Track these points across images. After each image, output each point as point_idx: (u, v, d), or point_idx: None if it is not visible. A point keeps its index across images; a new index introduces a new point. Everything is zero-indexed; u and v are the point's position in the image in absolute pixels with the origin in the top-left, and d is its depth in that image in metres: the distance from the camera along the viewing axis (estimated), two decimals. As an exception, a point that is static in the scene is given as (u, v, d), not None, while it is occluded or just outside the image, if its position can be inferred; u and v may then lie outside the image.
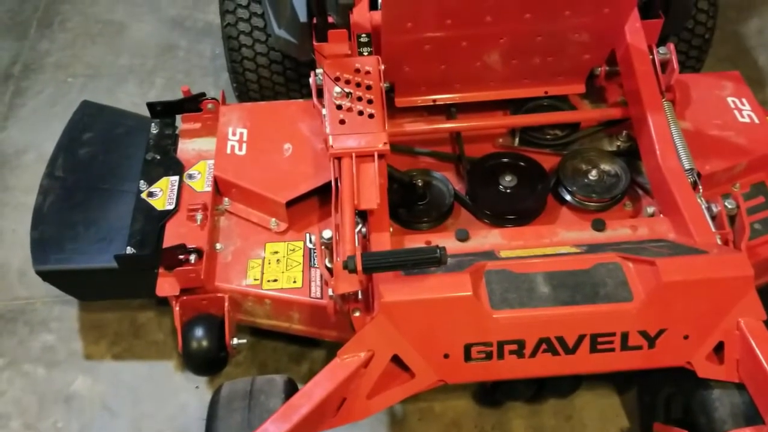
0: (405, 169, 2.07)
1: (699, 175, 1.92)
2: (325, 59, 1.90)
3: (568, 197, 1.99)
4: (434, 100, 2.18)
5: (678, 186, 1.80)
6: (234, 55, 2.41)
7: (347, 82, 1.85)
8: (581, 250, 1.67)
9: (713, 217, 1.76)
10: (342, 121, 1.80)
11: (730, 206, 1.76)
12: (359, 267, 1.44)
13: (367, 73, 1.87)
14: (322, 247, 1.68)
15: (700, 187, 1.84)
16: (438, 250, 1.42)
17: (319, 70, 1.91)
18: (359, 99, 1.82)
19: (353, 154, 1.75)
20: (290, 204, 1.97)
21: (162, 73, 3.09)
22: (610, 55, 2.13)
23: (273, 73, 2.41)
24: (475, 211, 1.99)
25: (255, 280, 1.90)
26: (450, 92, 2.17)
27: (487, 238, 1.80)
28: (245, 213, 2.03)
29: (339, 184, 1.75)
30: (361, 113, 1.81)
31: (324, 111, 1.85)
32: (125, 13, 3.37)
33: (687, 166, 1.86)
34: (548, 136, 2.15)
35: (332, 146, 1.76)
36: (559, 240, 1.78)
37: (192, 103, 2.25)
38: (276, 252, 1.95)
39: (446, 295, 1.48)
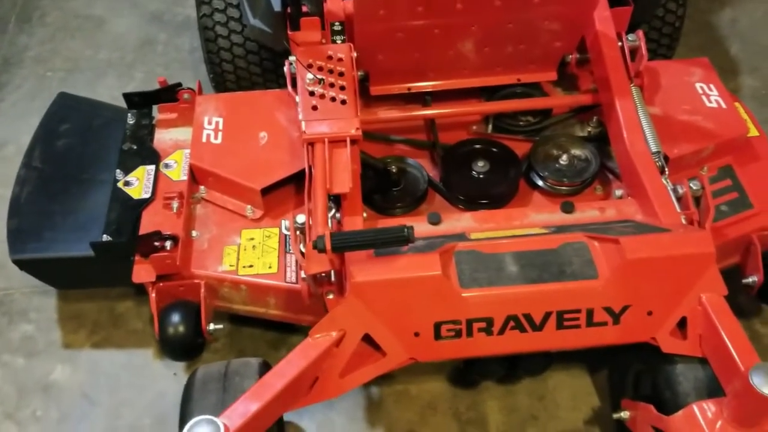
0: (380, 156, 2.10)
1: (666, 158, 1.97)
2: (297, 47, 1.92)
3: (539, 182, 2.03)
4: (409, 88, 2.20)
5: (645, 169, 1.83)
6: (210, 46, 2.42)
7: (320, 68, 1.88)
8: (550, 230, 1.71)
9: (679, 199, 1.80)
10: (314, 107, 1.82)
11: (695, 187, 1.80)
12: (328, 246, 1.46)
13: (340, 60, 1.89)
14: (296, 232, 1.71)
15: (667, 170, 1.88)
16: (406, 229, 1.45)
17: (292, 58, 1.93)
18: (332, 85, 1.85)
19: (326, 140, 1.77)
20: (266, 191, 1.99)
21: (141, 67, 3.10)
22: (580, 43, 2.17)
23: (249, 63, 2.43)
24: (448, 196, 2.02)
25: (231, 266, 1.92)
26: (424, 80, 2.20)
27: (459, 221, 1.83)
28: (221, 201, 2.05)
29: (312, 169, 1.77)
30: (333, 99, 1.83)
31: (298, 98, 1.88)
32: (104, 8, 3.37)
33: (654, 149, 1.90)
34: (521, 123, 2.19)
35: (305, 132, 1.79)
36: (529, 222, 1.81)
37: (168, 94, 2.27)
38: (252, 239, 1.98)
39: (416, 275, 1.51)
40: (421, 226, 1.81)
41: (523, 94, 2.23)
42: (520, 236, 1.66)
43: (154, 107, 2.28)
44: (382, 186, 2.03)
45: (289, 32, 2.06)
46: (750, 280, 1.95)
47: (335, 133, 1.78)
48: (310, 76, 1.84)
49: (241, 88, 2.49)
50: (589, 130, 2.16)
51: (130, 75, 3.07)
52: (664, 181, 1.82)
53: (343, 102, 1.82)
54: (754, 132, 2.17)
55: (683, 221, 1.73)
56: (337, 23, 2.02)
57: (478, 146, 2.09)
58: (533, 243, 1.61)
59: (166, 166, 2.12)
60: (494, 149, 2.08)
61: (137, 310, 2.26)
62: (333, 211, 1.77)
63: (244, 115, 2.16)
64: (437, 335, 1.54)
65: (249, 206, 2.01)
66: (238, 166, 2.02)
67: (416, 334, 1.54)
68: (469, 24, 1.99)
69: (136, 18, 3.32)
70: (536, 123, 2.18)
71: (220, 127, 2.13)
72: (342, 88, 1.84)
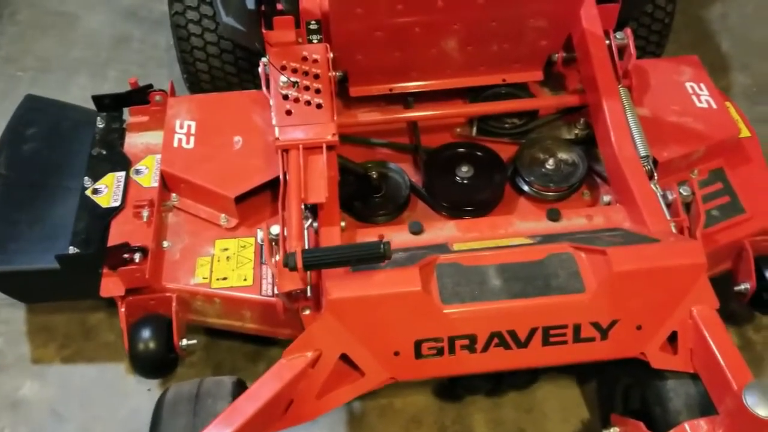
0: (360, 160, 2.02)
1: (655, 162, 1.90)
2: (271, 47, 1.83)
3: (525, 187, 1.96)
4: (390, 89, 2.12)
5: (633, 174, 1.76)
6: (183, 45, 2.33)
7: (294, 71, 1.79)
8: (535, 240, 1.64)
9: (668, 205, 1.74)
10: (289, 112, 1.74)
11: (685, 193, 1.74)
12: (299, 264, 1.39)
13: (315, 61, 1.81)
14: (271, 243, 1.63)
15: (656, 174, 1.81)
16: (382, 245, 1.38)
17: (265, 59, 1.84)
18: (306, 89, 1.76)
19: (300, 146, 1.69)
20: (241, 199, 1.90)
21: (115, 66, 3.00)
22: (567, 41, 2.09)
23: (224, 63, 2.35)
24: (431, 203, 1.95)
25: (204, 278, 1.84)
26: (406, 80, 2.12)
27: (441, 230, 1.75)
28: (194, 209, 1.97)
29: (286, 177, 1.69)
30: (308, 103, 1.75)
31: (271, 101, 1.79)
32: (77, 4, 3.26)
33: (642, 153, 1.83)
34: (506, 125, 2.11)
35: (278, 138, 1.70)
36: (514, 231, 1.74)
37: (139, 95, 2.18)
38: (226, 249, 1.89)
39: (395, 291, 1.43)
40: (402, 236, 1.74)
41: (508, 94, 2.16)
42: (505, 247, 1.59)
43: (125, 110, 2.20)
44: (363, 192, 1.95)
45: (264, 31, 1.97)
46: (742, 287, 1.89)
47: (310, 139, 1.69)
48: (283, 78, 1.75)
49: (217, 89, 2.40)
50: (576, 132, 2.09)
51: (104, 74, 2.96)
52: (653, 187, 1.75)
53: (319, 106, 1.74)
54: (745, 133, 2.11)
55: (673, 229, 1.67)
56: (313, 22, 1.94)
57: (461, 150, 2.02)
58: (517, 254, 1.54)
59: (137, 172, 2.03)
60: (479, 153, 2.01)
61: (110, 322, 2.17)
62: (309, 220, 1.70)
63: (218, 117, 2.07)
64: (418, 354, 1.47)
65: (223, 215, 1.93)
66: (211, 172, 1.93)
67: (396, 353, 1.47)
68: (452, 22, 1.91)
69: (110, 14, 3.21)
70: (522, 125, 2.10)
71: (193, 131, 2.04)
72: (317, 91, 1.76)
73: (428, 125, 2.13)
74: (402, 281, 1.44)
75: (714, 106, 2.08)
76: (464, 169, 1.96)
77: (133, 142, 2.12)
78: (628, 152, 1.81)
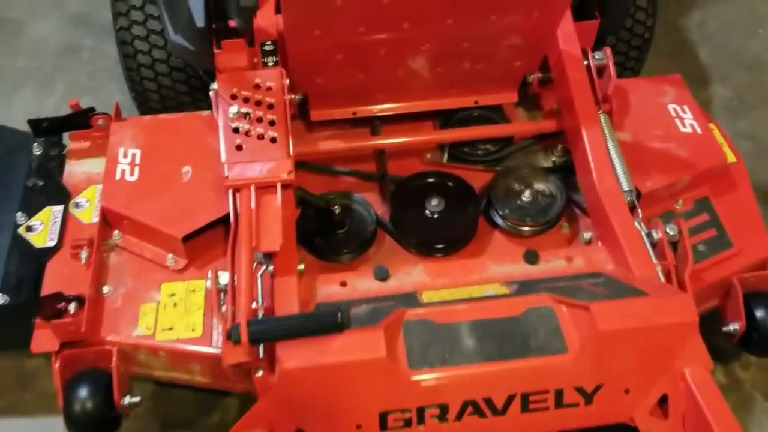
0: (322, 190, 1.87)
1: (638, 193, 1.77)
2: (220, 73, 1.66)
3: (500, 221, 1.81)
4: (354, 113, 1.97)
5: (615, 211, 1.63)
6: (129, 63, 2.14)
7: (246, 100, 1.62)
8: (511, 290, 1.50)
9: (653, 244, 1.61)
10: (239, 147, 1.57)
11: (671, 232, 1.61)
12: (244, 339, 1.23)
13: (269, 89, 1.64)
14: (219, 293, 1.47)
15: (639, 210, 1.68)
16: (339, 315, 1.22)
17: (214, 86, 1.67)
18: (260, 120, 1.59)
19: (252, 186, 1.52)
20: (190, 236, 1.73)
21: (63, 78, 2.79)
22: (543, 61, 1.95)
23: (175, 82, 2.16)
24: (399, 239, 1.80)
25: (148, 329, 1.66)
26: (371, 103, 1.96)
27: (409, 275, 1.60)
28: (138, 248, 1.79)
29: (237, 220, 1.53)
30: (261, 137, 1.58)
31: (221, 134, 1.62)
32: (24, 10, 3.04)
33: (625, 188, 1.69)
34: (479, 152, 1.96)
35: (227, 177, 1.53)
36: (488, 275, 1.59)
37: (81, 119, 1.98)
38: (173, 294, 1.72)
39: (356, 359, 1.28)
40: (366, 283, 1.58)
41: (481, 117, 2.01)
42: (479, 299, 1.45)
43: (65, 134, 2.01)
44: (324, 228, 1.80)
45: (215, 50, 1.80)
46: (731, 327, 1.76)
47: (263, 178, 1.53)
48: (233, 109, 1.58)
49: (167, 109, 2.22)
50: (553, 159, 1.95)
51: (50, 87, 2.76)
52: (637, 225, 1.62)
53: (273, 140, 1.57)
54: (731, 158, 1.98)
55: (660, 273, 1.54)
56: (268, 42, 1.77)
57: (431, 180, 1.86)
58: (493, 309, 1.40)
59: (77, 205, 1.85)
60: (450, 183, 1.86)
61: (50, 368, 1.98)
62: (264, 266, 1.53)
63: (166, 144, 1.89)
64: (383, 426, 1.32)
65: (170, 255, 1.76)
66: (156, 208, 1.75)
67: (359, 427, 1.32)
68: (419, 43, 1.76)
69: (58, 21, 2.99)
70: (496, 151, 1.96)
71: (137, 160, 1.86)
72: (272, 123, 1.59)
73: (397, 150, 1.98)
74: (364, 347, 1.29)
75: (698, 130, 1.95)
76: (434, 202, 1.80)
77: (74, 171, 1.93)
78: (610, 186, 1.67)
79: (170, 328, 1.66)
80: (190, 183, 1.80)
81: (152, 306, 1.70)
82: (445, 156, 1.96)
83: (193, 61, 1.96)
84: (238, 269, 1.44)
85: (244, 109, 1.59)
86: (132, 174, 1.83)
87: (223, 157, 1.55)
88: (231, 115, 1.58)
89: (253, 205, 1.50)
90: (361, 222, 1.82)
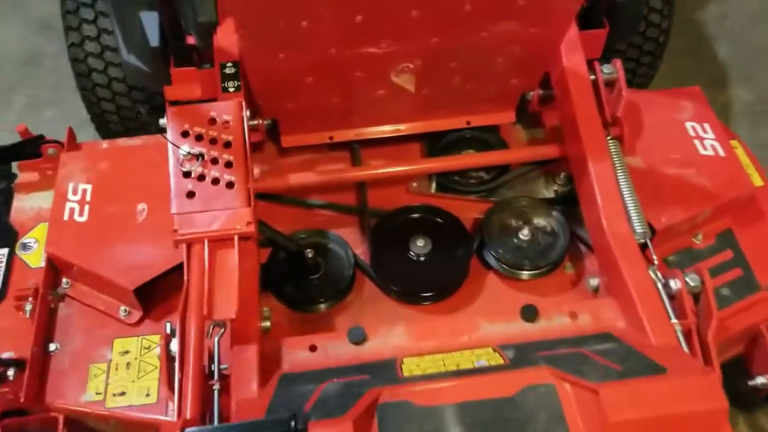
0: (294, 226, 1.67)
1: (653, 230, 1.56)
2: (169, 107, 1.45)
3: (494, 263, 1.60)
4: (330, 137, 1.76)
5: (626, 259, 1.41)
6: (84, 82, 1.93)
7: (199, 137, 1.41)
8: (506, 357, 1.29)
9: (671, 296, 1.40)
10: (191, 194, 1.36)
11: (692, 283, 1.40)
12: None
13: (226, 124, 1.42)
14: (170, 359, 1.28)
15: (654, 255, 1.47)
16: (294, 423, 1.02)
17: (163, 122, 1.46)
18: (215, 162, 1.38)
19: (206, 240, 1.32)
20: (146, 284, 1.54)
21: (24, 90, 2.60)
22: (545, 75, 1.73)
23: (135, 102, 1.95)
24: (380, 284, 1.60)
25: (98, 393, 1.47)
26: (349, 127, 1.76)
27: (388, 337, 1.39)
28: (89, 298, 1.59)
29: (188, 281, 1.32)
30: (216, 182, 1.37)
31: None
32: (-17, 14, 2.84)
33: (638, 230, 1.48)
34: (472, 180, 1.75)
35: (177, 230, 1.33)
36: (479, 337, 1.39)
37: (32, 147, 1.78)
38: (126, 352, 1.53)
39: (319, 460, 1.08)
40: (339, 347, 1.38)
41: (474, 139, 1.80)
42: (467, 373, 1.25)
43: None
44: (296, 273, 1.59)
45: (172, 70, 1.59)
46: (759, 381, 1.56)
47: (218, 231, 1.32)
48: (184, 150, 1.37)
49: (128, 131, 2.01)
50: (555, 188, 1.74)
51: (9, 100, 2.56)
52: (652, 275, 1.41)
53: (230, 185, 1.36)
54: (757, 181, 1.75)
55: (679, 334, 1.33)
56: (229, 64, 1.55)
57: (416, 216, 1.65)
58: (484, 387, 1.19)
59: (24, 247, 1.66)
60: (438, 220, 1.65)
61: None
62: (222, 329, 1.33)
63: (120, 178, 1.69)
64: None
65: (123, 306, 1.56)
66: (106, 255, 1.56)
67: None
68: (400, 63, 1.54)
69: (20, 27, 2.79)
70: (491, 180, 1.75)
71: (88, 197, 1.66)
72: (229, 164, 1.38)
73: (379, 178, 1.77)
74: (328, 445, 1.08)
75: (721, 152, 1.73)
76: (420, 242, 1.60)
77: (22, 206, 1.74)
78: (620, 229, 1.46)
79: (122, 393, 1.47)
80: (146, 224, 1.60)
81: (102, 367, 1.51)
82: (433, 185, 1.75)
83: (148, 83, 1.74)
84: (187, 341, 1.24)
85: (196, 149, 1.38)
86: (81, 214, 1.63)
87: (173, 207, 1.34)
88: (181, 156, 1.37)
89: (206, 263, 1.29)
90: (337, 264, 1.61)
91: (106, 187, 1.67)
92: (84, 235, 1.60)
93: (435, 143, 1.80)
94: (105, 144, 1.85)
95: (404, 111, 1.73)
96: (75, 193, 1.67)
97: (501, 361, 1.28)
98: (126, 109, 1.97)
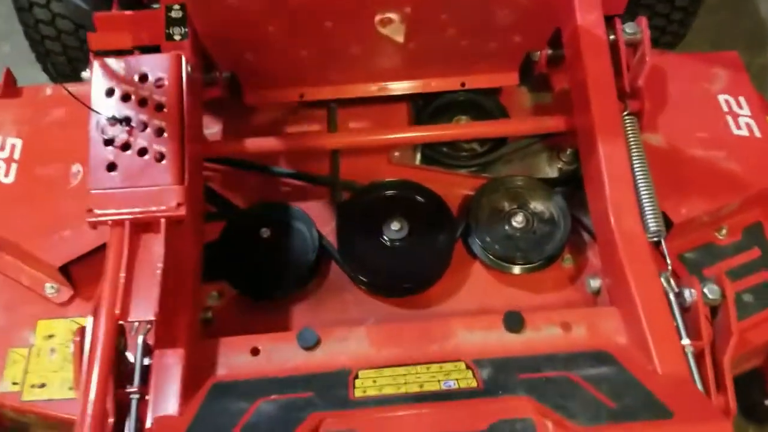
0: (253, 196, 1.45)
1: (670, 223, 1.32)
2: (93, 58, 1.20)
3: (480, 253, 1.38)
4: (301, 95, 1.51)
5: (634, 261, 1.18)
6: (25, 17, 1.69)
7: (125, 98, 1.17)
8: (479, 379, 1.08)
9: (685, 308, 1.18)
10: (112, 166, 1.13)
11: (711, 296, 1.17)
12: None
13: (159, 82, 1.18)
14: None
15: (668, 257, 1.23)
16: None
17: (86, 74, 1.21)
18: (144, 128, 1.15)
19: (126, 224, 1.10)
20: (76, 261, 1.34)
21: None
22: (555, 32, 1.46)
23: (82, 41, 1.70)
24: (348, 272, 1.38)
25: (14, 384, 1.29)
26: (323, 84, 1.50)
27: (344, 342, 1.18)
28: (14, 270, 1.40)
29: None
30: (143, 152, 1.14)
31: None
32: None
33: (652, 228, 1.24)
34: (463, 153, 1.51)
35: (92, 209, 1.11)
36: (452, 347, 1.17)
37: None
38: (51, 336, 1.34)
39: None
40: (286, 352, 1.17)
41: (468, 103, 1.55)
42: (431, 398, 1.04)
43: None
44: (249, 253, 1.38)
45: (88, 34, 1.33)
46: (778, 402, 1.36)
47: (141, 213, 1.10)
48: (105, 114, 1.13)
49: (77, 72, 1.77)
50: (560, 166, 1.49)
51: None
52: (664, 283, 1.18)
53: (160, 157, 1.13)
54: (797, 166, 1.50)
55: (690, 356, 1.11)
56: (176, 7, 1.30)
57: (392, 193, 1.42)
58: (450, 418, 0.99)
59: (-52, 207, 1.45)
60: (418, 198, 1.41)
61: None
62: (149, 327, 1.13)
63: (55, 132, 1.47)
64: None
65: (50, 283, 1.36)
66: (32, 224, 1.35)
67: None
68: (380, 13, 1.28)
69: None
70: (485, 153, 1.50)
71: (17, 154, 1.44)
72: (160, 132, 1.14)
73: (356, 144, 1.53)
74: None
75: (757, 133, 1.47)
76: (394, 225, 1.37)
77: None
78: (629, 227, 1.21)
79: (42, 385, 1.29)
80: (80, 188, 1.38)
81: (23, 352, 1.32)
82: (418, 156, 1.51)
83: (90, 24, 1.49)
84: (94, 344, 1.04)
85: (123, 111, 1.14)
86: (7, 174, 1.43)
87: (89, 181, 1.12)
88: (102, 121, 1.13)
89: (125, 251, 1.08)
90: (300, 245, 1.39)
91: (39, 143, 1.46)
92: (8, 198, 1.39)
93: (423, 107, 1.55)
94: (49, 90, 1.62)
95: (388, 68, 1.47)
96: (2, 149, 1.45)
97: (473, 383, 1.07)
98: (74, 49, 1.72)
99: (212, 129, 1.56)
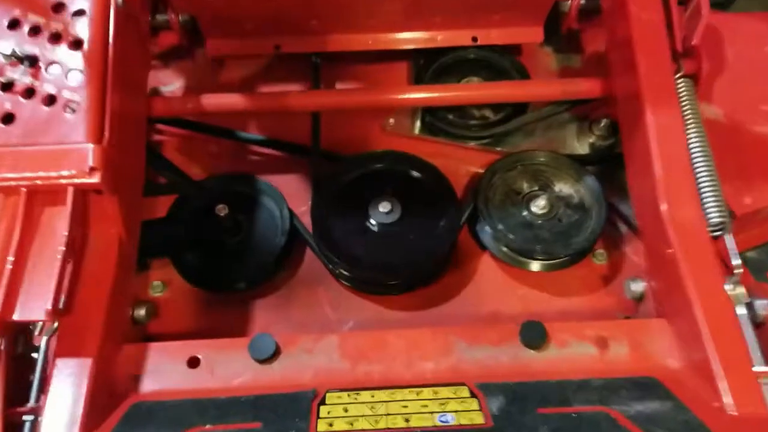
0: (216, 167, 1.18)
1: (732, 214, 1.05)
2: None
3: (491, 245, 1.11)
4: (277, 47, 1.24)
5: (692, 261, 0.91)
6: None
7: (34, 30, 0.89)
8: (487, 413, 0.81)
9: (758, 324, 0.90)
10: (9, 117, 0.86)
11: (787, 308, 0.90)
12: None
13: (80, 13, 0.90)
14: None
15: (737, 260, 0.95)
16: None
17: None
18: (52, 69, 0.87)
19: (23, 191, 0.83)
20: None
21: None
22: (589, -21, 1.18)
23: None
24: (326, 265, 1.11)
25: None
26: (303, 33, 1.23)
27: (311, 353, 0.91)
28: None
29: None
30: (51, 101, 0.87)
31: None
32: None
33: (714, 218, 0.96)
34: (472, 121, 1.23)
35: (-18, 170, 0.84)
36: (453, 367, 0.89)
37: None
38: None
39: None
40: (234, 363, 0.90)
41: (480, 63, 1.27)
42: (418, 436, 0.77)
43: None
44: (205, 235, 1.11)
45: None
46: None
47: (42, 178, 0.83)
48: (3, 50, 0.86)
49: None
50: (592, 141, 1.22)
51: None
52: (729, 291, 0.90)
53: (71, 107, 0.86)
54: None
55: (764, 389, 0.84)
56: None
57: (381, 167, 1.14)
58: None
59: None
60: (414, 174, 1.14)
61: None
62: (54, 328, 0.87)
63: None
64: None
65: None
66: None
67: None
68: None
69: None
70: (499, 121, 1.22)
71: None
72: (74, 75, 0.87)
73: (342, 105, 1.25)
74: None
75: (836, 107, 1.19)
76: (383, 207, 1.09)
77: None
78: (686, 215, 0.94)
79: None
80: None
81: None
82: (417, 124, 1.24)
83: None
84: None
85: (25, 49, 0.87)
86: None
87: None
88: (1, 60, 0.86)
89: (19, 225, 0.81)
90: (266, 228, 1.12)
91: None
92: None
93: (425, 67, 1.27)
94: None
95: (384, 15, 1.20)
96: None
97: (478, 419, 0.80)
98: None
99: (174, 85, 1.30)
